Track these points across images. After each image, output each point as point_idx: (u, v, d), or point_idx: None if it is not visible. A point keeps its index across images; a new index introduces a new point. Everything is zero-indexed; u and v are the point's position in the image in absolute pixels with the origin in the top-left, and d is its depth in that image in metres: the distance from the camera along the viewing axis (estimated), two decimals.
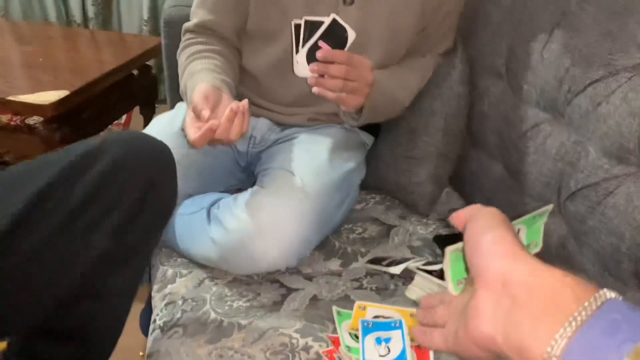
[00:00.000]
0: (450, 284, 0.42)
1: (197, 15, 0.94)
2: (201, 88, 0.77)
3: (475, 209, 0.40)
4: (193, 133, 0.71)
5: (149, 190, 0.62)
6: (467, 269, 0.41)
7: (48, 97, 1.33)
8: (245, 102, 0.74)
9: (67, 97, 1.34)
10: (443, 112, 0.92)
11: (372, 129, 1.04)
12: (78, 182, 0.58)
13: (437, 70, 0.94)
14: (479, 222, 0.38)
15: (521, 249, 0.35)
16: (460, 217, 0.41)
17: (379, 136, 1.02)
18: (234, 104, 0.72)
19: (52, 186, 0.58)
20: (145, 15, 2.26)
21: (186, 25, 0.95)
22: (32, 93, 1.35)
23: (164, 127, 0.95)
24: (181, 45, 0.94)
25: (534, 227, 0.45)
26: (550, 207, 0.46)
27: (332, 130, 0.98)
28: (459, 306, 0.39)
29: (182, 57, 0.92)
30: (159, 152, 0.65)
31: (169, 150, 0.66)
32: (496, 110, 0.89)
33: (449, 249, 0.41)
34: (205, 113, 0.72)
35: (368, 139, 1.04)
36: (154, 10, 2.26)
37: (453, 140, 0.94)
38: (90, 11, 2.25)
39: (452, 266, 0.41)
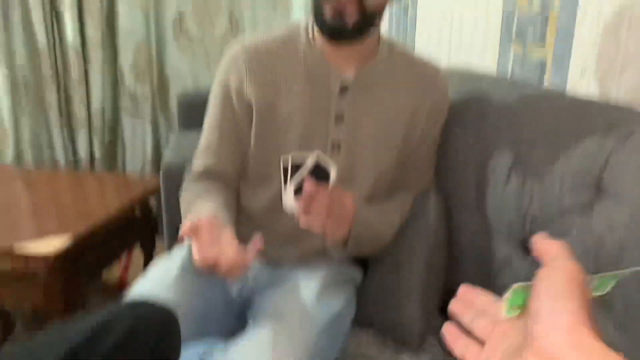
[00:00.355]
0: (505, 305, 0.39)
1: (201, 160, 1.03)
2: (208, 215, 0.85)
3: (561, 253, 0.37)
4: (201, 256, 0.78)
5: (156, 354, 0.68)
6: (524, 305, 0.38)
7: (50, 244, 1.39)
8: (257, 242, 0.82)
9: (69, 245, 1.41)
10: (424, 247, 0.98)
11: (361, 264, 1.09)
12: (95, 353, 0.64)
13: (414, 205, 1.01)
14: (558, 276, 0.35)
15: (588, 333, 0.32)
16: (543, 248, 0.38)
17: (367, 273, 1.06)
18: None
19: None
20: (149, 154, 2.42)
21: (191, 169, 1.03)
22: (37, 240, 1.41)
23: (160, 275, 0.99)
24: (185, 185, 1.02)
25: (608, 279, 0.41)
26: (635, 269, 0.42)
27: (322, 267, 1.03)
28: (503, 339, 0.38)
29: (185, 196, 1.00)
30: (166, 321, 0.72)
31: (175, 317, 0.73)
32: (473, 244, 0.95)
33: (517, 284, 0.38)
34: (199, 223, 0.79)
35: (357, 275, 1.08)
36: (157, 149, 2.43)
37: (437, 273, 0.99)
38: (97, 152, 2.41)
39: (513, 293, 0.38)
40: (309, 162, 0.86)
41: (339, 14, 0.89)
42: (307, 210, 0.84)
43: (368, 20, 0.92)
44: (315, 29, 0.96)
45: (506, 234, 0.84)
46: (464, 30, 1.49)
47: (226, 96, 0.99)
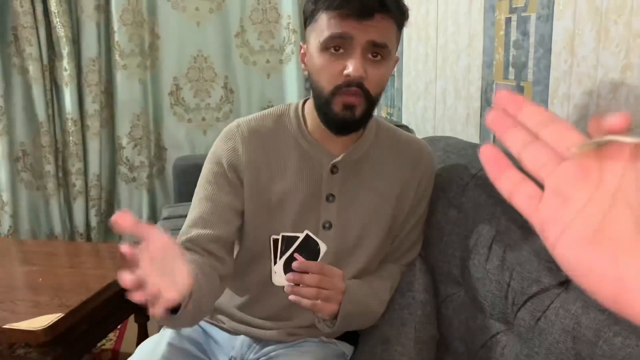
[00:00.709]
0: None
1: (192, 231, 0.95)
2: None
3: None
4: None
5: None
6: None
7: (41, 322, 1.38)
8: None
9: (61, 319, 1.40)
10: (412, 321, 0.98)
11: (351, 338, 1.08)
12: None
13: (400, 279, 1.02)
14: None
15: None
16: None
17: (357, 347, 1.06)
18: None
19: None
20: (145, 216, 2.44)
21: (178, 240, 0.98)
22: (28, 317, 1.41)
23: (149, 354, 0.99)
24: None
25: None
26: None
27: (310, 345, 1.03)
28: (580, 183, 0.28)
29: None
30: None
31: None
32: (459, 317, 0.95)
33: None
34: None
35: (347, 349, 1.08)
36: (153, 217, 2.45)
37: (426, 347, 0.98)
38: (93, 221, 2.43)
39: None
40: (299, 240, 0.88)
41: (349, 106, 0.89)
42: (296, 284, 0.86)
43: (373, 108, 0.93)
44: (313, 118, 0.96)
45: (490, 308, 0.85)
46: (447, 101, 1.56)
47: (220, 173, 0.98)
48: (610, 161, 0.28)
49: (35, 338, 1.37)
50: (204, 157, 1.04)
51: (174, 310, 0.78)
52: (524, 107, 0.31)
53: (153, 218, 2.44)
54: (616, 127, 0.27)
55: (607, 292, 0.27)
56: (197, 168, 1.04)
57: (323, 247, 0.90)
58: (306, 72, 0.96)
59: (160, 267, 0.63)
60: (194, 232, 0.95)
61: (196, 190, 1.01)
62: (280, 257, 0.91)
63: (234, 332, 1.05)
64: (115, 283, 1.63)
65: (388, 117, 1.99)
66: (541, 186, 0.30)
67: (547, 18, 1.06)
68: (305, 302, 0.86)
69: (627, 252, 0.27)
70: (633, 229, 0.27)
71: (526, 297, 0.77)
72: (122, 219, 0.61)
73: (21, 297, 1.61)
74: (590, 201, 0.28)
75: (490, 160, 0.31)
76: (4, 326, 1.37)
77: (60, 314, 1.42)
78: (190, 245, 0.96)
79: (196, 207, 0.99)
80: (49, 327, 1.36)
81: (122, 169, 2.43)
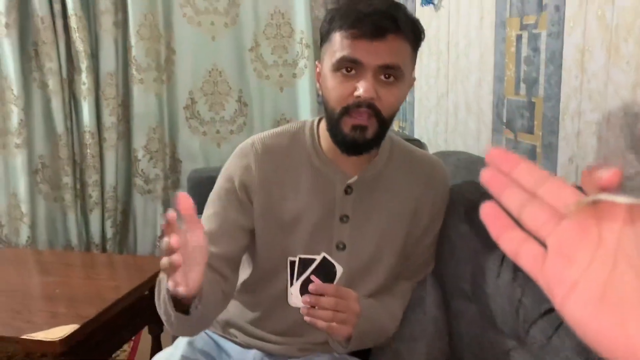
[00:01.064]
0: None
1: None
2: None
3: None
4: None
5: None
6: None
7: (57, 332, 1.40)
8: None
9: (77, 330, 1.42)
10: (424, 337, 0.98)
11: (362, 353, 1.09)
12: None
13: (412, 295, 1.02)
14: None
15: None
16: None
17: None
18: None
19: None
20: (159, 233, 2.47)
21: None
22: (45, 328, 1.43)
23: None
24: None
25: None
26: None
27: (323, 359, 1.03)
28: (585, 242, 0.28)
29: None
30: None
31: None
32: (470, 333, 0.95)
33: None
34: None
35: None
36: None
37: None
38: (109, 232, 2.47)
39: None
40: (316, 262, 0.89)
41: (359, 127, 0.88)
42: (312, 307, 0.86)
43: (386, 129, 0.93)
44: (327, 137, 0.96)
45: (502, 324, 0.85)
46: (458, 116, 1.56)
47: (231, 190, 0.99)
48: (608, 220, 0.28)
49: (52, 348, 1.39)
50: (218, 170, 1.05)
51: (184, 311, 0.81)
52: (517, 165, 0.31)
53: None
54: (607, 184, 0.27)
55: (619, 355, 0.27)
56: (211, 180, 1.04)
57: (339, 270, 0.90)
58: (320, 92, 0.96)
59: (184, 259, 0.67)
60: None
61: (206, 205, 1.02)
62: (297, 279, 0.91)
63: (246, 346, 1.06)
64: (129, 294, 1.66)
65: (400, 131, 2.00)
66: (544, 244, 0.30)
67: (557, 35, 1.07)
68: (321, 323, 0.87)
69: (635, 316, 0.27)
70: (638, 291, 0.27)
71: (538, 314, 0.77)
72: (185, 200, 0.66)
73: (38, 308, 1.65)
74: (593, 261, 0.28)
75: (491, 219, 0.32)
76: (22, 336, 1.40)
77: (76, 325, 1.44)
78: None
79: (205, 223, 0.99)
80: (65, 337, 1.39)
81: (138, 181, 2.47)
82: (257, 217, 0.99)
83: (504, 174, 0.31)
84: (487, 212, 0.32)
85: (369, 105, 0.87)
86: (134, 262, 2.10)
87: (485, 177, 0.32)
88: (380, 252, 1.00)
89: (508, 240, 0.31)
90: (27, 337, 1.40)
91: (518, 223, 0.31)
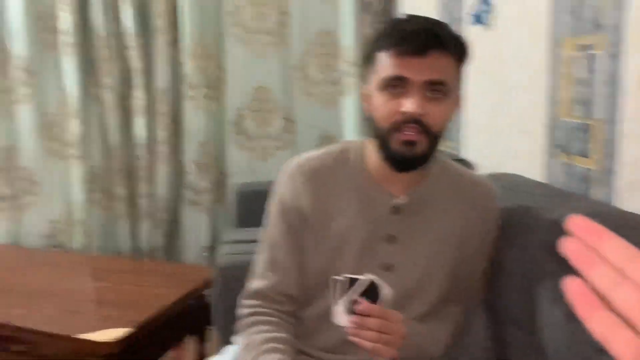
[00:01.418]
0: None
1: (264, 279, 1.02)
2: None
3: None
4: None
5: None
6: None
7: (109, 334, 1.45)
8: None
9: (130, 333, 1.47)
10: None
11: None
12: None
13: (461, 321, 1.01)
14: None
15: None
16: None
17: None
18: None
19: None
20: (206, 244, 2.53)
21: (253, 287, 1.02)
22: (95, 330, 1.48)
23: None
24: (246, 312, 1.01)
25: None
26: None
27: None
28: None
29: (248, 340, 0.97)
30: None
31: None
32: None
33: None
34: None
35: None
36: (214, 239, 2.54)
37: None
38: (158, 242, 2.55)
39: None
40: (363, 282, 0.89)
41: (409, 142, 0.89)
42: (358, 327, 0.86)
43: (435, 145, 0.93)
44: (376, 154, 0.96)
45: (553, 356, 0.83)
46: (509, 137, 1.54)
47: (285, 212, 1.01)
48: None
49: (107, 349, 1.44)
50: (264, 184, 1.08)
51: None
52: (603, 237, 0.29)
53: (213, 241, 2.52)
54: None
55: None
56: (258, 194, 1.07)
57: (387, 291, 0.90)
58: (368, 114, 0.98)
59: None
60: (267, 279, 1.01)
61: (264, 233, 1.05)
62: (343, 298, 0.92)
63: None
64: (176, 303, 1.70)
65: (447, 151, 1.99)
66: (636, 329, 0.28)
67: (615, 55, 1.05)
68: (367, 344, 0.87)
69: None
70: None
71: (593, 349, 0.75)
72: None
73: (89, 310, 1.72)
74: None
75: (578, 297, 0.29)
76: (74, 335, 1.46)
77: (129, 328, 1.49)
78: (270, 295, 1.01)
79: (266, 252, 1.03)
80: (120, 340, 1.44)
81: (187, 194, 2.54)
82: (307, 238, 1.01)
83: (589, 247, 0.30)
84: (573, 290, 0.30)
85: (417, 121, 0.88)
86: (181, 270, 2.16)
87: (569, 249, 0.30)
88: (429, 274, 0.99)
89: (598, 322, 0.29)
90: (82, 337, 1.45)
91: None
